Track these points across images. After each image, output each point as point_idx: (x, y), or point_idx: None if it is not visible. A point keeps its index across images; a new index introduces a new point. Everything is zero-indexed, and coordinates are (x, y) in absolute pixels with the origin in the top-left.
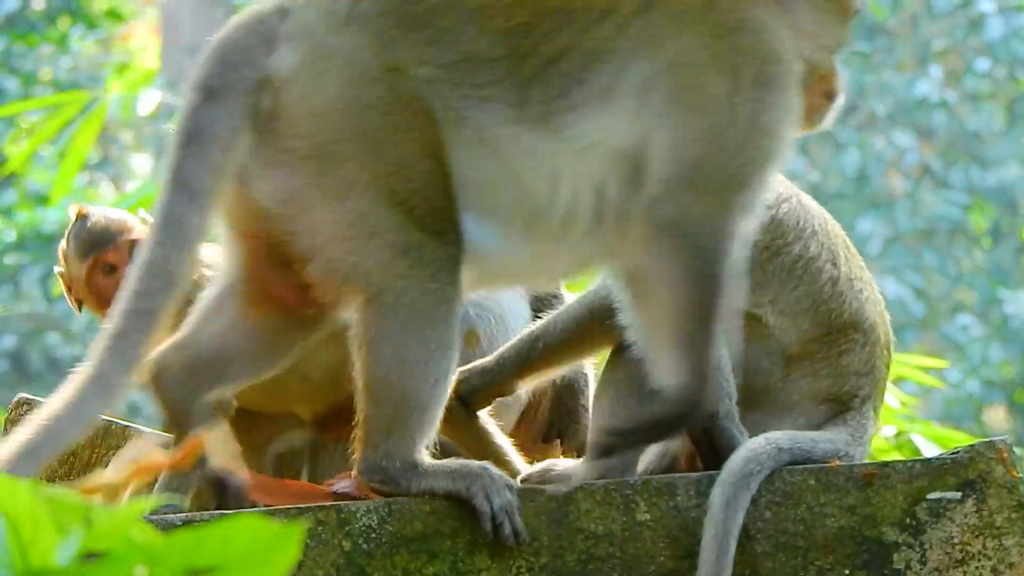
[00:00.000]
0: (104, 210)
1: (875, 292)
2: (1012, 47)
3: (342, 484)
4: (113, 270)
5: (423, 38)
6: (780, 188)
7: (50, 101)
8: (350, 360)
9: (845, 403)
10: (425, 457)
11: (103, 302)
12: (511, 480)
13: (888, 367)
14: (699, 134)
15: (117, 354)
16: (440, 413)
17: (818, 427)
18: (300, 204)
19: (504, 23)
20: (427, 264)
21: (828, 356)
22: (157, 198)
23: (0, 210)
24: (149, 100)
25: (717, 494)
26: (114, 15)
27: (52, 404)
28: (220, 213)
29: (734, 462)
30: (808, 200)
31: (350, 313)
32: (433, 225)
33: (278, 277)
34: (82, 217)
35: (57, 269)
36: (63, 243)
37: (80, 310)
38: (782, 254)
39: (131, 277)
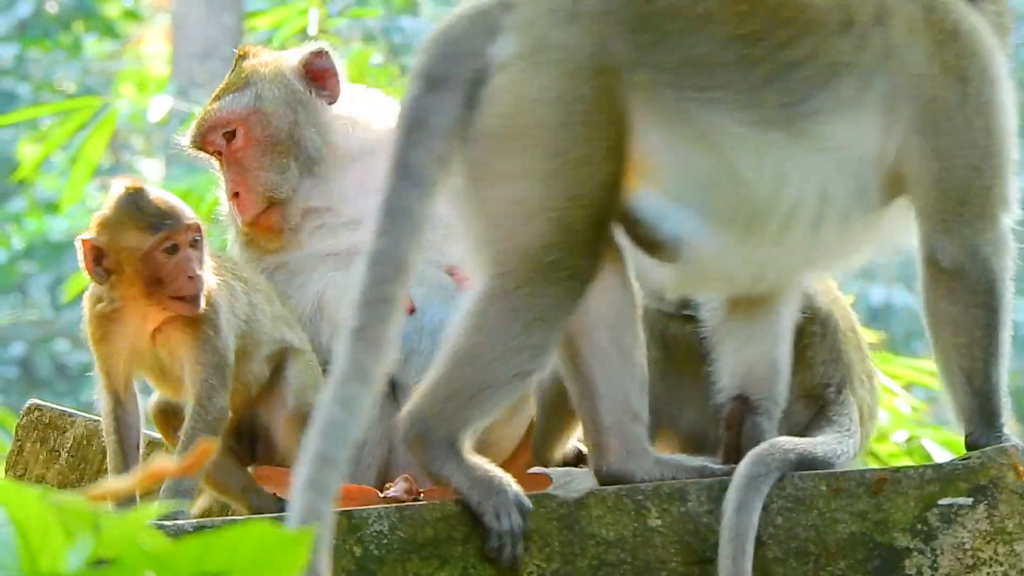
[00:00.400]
0: (158, 190)
1: (824, 283)
2: (1020, 56)
3: (395, 489)
4: (175, 250)
5: (645, 40)
6: None
7: (61, 107)
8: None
9: (820, 395)
10: (467, 445)
11: (151, 280)
12: (525, 501)
13: (861, 348)
14: (951, 160)
15: (367, 344)
16: (500, 412)
17: (803, 427)
18: (479, 177)
19: (734, 30)
20: (564, 268)
21: (792, 353)
22: (381, 185)
23: (9, 217)
24: (160, 106)
25: (731, 500)
26: (131, 15)
27: (323, 410)
28: None
29: (744, 466)
30: None
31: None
32: (586, 232)
33: None
34: (137, 191)
35: (86, 236)
36: (107, 212)
37: (106, 281)
38: None
39: (360, 267)
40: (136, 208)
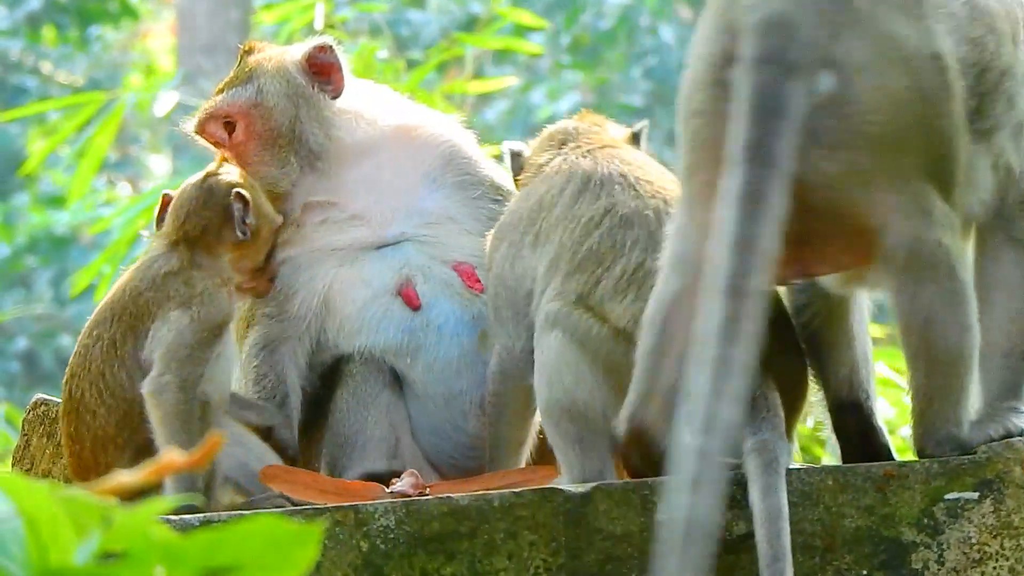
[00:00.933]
0: None
1: None
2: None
3: (401, 483)
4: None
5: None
6: (594, 210)
7: (68, 102)
8: None
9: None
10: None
11: (270, 254)
12: None
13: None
14: None
15: (735, 335)
16: None
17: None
18: (864, 182)
19: None
20: (960, 241)
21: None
22: (730, 171)
23: (13, 211)
24: (166, 100)
25: (755, 488)
26: (129, 12)
27: (703, 403)
28: None
29: (749, 458)
30: (628, 207)
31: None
32: (958, 207)
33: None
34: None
35: (240, 190)
36: (244, 179)
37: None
38: (606, 279)
39: (720, 257)
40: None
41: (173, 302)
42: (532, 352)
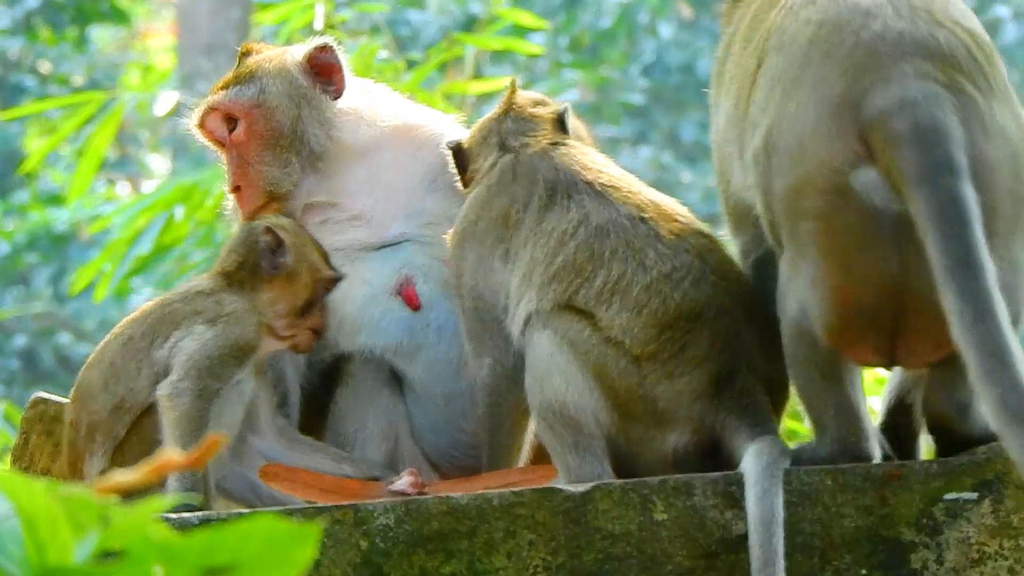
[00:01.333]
0: None
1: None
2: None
3: (401, 483)
4: (325, 294)
5: None
6: (567, 222)
7: (68, 101)
8: None
9: (719, 390)
10: None
11: (310, 303)
12: None
13: (749, 323)
14: None
15: None
16: None
17: (712, 428)
18: None
19: None
20: None
21: (673, 352)
22: (946, 283)
23: (13, 209)
24: (166, 100)
25: (751, 491)
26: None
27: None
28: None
29: (749, 459)
30: (602, 216)
31: None
32: None
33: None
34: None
35: (274, 226)
36: (288, 223)
37: (272, 274)
38: (586, 288)
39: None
40: (316, 240)
41: (200, 317)
42: (523, 359)
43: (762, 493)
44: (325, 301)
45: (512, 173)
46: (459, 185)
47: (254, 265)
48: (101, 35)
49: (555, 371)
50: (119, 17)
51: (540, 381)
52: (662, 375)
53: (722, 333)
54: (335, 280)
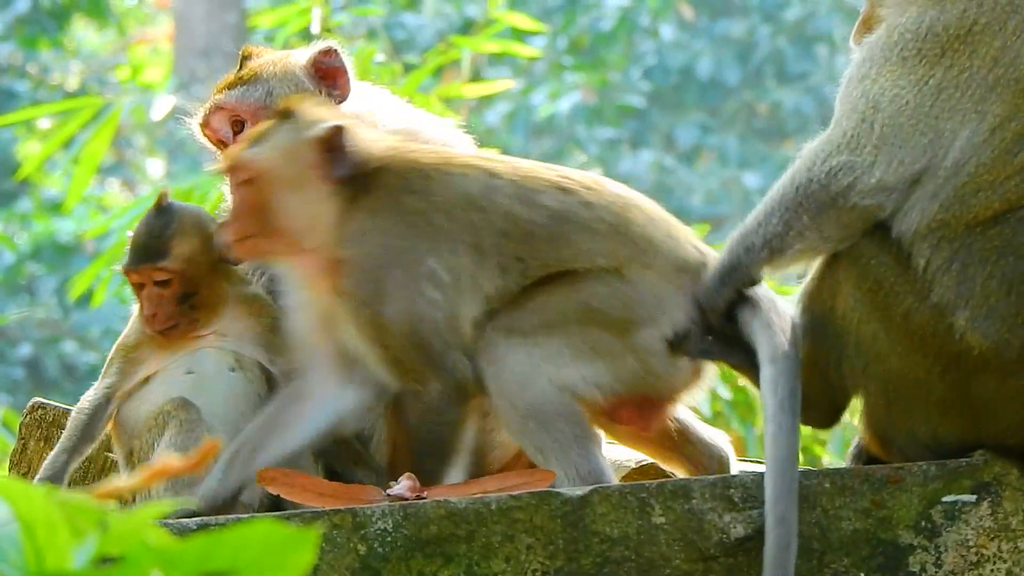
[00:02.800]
0: (170, 209)
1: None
2: None
3: (399, 487)
4: (140, 288)
5: None
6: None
7: (63, 106)
8: None
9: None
10: None
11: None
12: None
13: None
14: None
15: None
16: None
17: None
18: None
19: None
20: None
21: None
22: None
23: (15, 218)
24: (162, 104)
25: (769, 490)
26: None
27: None
28: None
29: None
30: (581, 218)
31: None
32: None
33: None
34: (150, 211)
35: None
36: None
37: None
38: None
39: None
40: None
41: None
42: (474, 377)
43: (777, 496)
44: (149, 293)
45: (411, 208)
46: None
47: None
48: (94, 40)
49: (537, 367)
50: (97, 12)
51: (522, 384)
52: None
53: None
54: (127, 276)
